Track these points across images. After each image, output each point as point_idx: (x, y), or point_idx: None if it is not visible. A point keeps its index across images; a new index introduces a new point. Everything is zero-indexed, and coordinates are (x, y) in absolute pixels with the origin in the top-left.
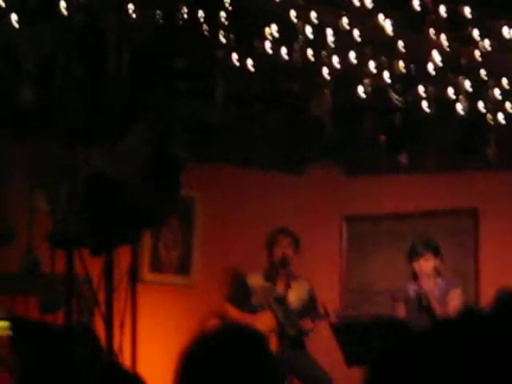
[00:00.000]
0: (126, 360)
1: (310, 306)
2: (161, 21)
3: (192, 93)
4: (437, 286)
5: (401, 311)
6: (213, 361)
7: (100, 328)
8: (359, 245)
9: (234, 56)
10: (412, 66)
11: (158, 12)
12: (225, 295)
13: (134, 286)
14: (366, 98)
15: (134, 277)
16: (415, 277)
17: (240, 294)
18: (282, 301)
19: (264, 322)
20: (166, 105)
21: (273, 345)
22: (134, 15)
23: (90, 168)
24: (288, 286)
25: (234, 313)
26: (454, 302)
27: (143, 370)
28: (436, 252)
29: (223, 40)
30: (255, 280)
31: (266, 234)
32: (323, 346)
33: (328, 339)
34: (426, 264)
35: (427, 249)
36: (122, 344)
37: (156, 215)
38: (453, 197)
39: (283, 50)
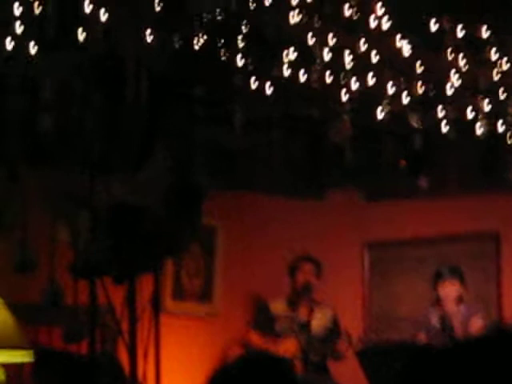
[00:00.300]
0: None
1: (333, 333)
2: (178, 46)
3: (211, 119)
4: (459, 311)
5: (422, 338)
6: None
7: (124, 357)
8: (381, 270)
9: (252, 81)
10: (430, 87)
11: (175, 38)
12: (248, 322)
13: (157, 314)
14: (385, 122)
15: (156, 305)
16: (438, 302)
17: (263, 321)
18: (305, 327)
19: (287, 348)
20: (185, 132)
21: (297, 371)
22: (151, 42)
23: (111, 197)
24: (311, 313)
25: (257, 339)
26: (476, 327)
27: None
28: (461, 278)
29: (241, 65)
30: (278, 307)
31: (288, 260)
32: (347, 372)
33: (352, 365)
34: (452, 288)
35: (453, 274)
36: (146, 373)
37: (177, 243)
38: (474, 220)
39: (301, 75)
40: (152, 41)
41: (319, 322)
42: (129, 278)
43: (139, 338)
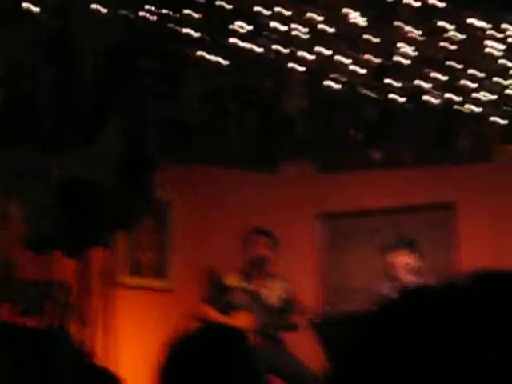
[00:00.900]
0: (103, 362)
1: (287, 305)
2: (131, 17)
3: (164, 92)
4: (414, 282)
5: None
6: (193, 360)
7: (75, 331)
8: (335, 242)
9: (203, 53)
10: (383, 58)
11: (127, 11)
12: (203, 296)
13: (109, 288)
14: (338, 93)
15: (108, 279)
16: (392, 273)
17: (216, 294)
18: (258, 299)
19: (241, 320)
20: (138, 105)
21: (252, 343)
22: (104, 14)
23: (63, 171)
24: (264, 285)
25: (211, 312)
26: None
27: (121, 371)
28: (412, 248)
29: (195, 38)
30: (232, 280)
31: (243, 233)
32: (302, 344)
33: (306, 337)
34: (403, 258)
35: (403, 245)
36: (98, 346)
37: (130, 216)
38: (429, 191)
39: (252, 46)
40: (104, 14)
41: (273, 294)
42: (80, 251)
43: (91, 311)
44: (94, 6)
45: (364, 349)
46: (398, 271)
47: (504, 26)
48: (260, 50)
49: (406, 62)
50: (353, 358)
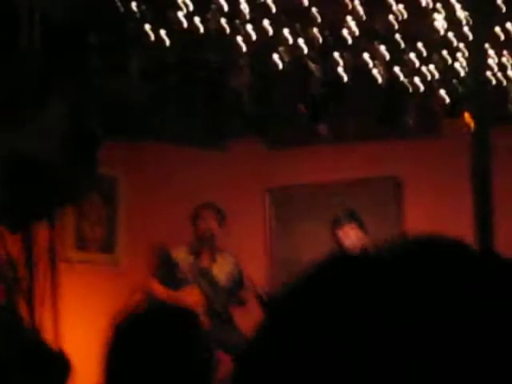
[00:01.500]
0: (49, 337)
1: (236, 280)
2: None
3: (108, 67)
4: None
5: None
6: (141, 338)
7: (22, 306)
8: (283, 217)
9: (147, 29)
10: (328, 33)
11: None
12: (151, 272)
13: (54, 263)
14: (282, 68)
15: (53, 254)
16: (339, 247)
17: (165, 269)
18: (207, 274)
19: (190, 296)
20: (80, 80)
21: (201, 320)
22: None
23: (5, 146)
24: (213, 260)
25: (159, 288)
26: None
27: (68, 347)
28: (359, 223)
29: (136, 13)
30: (180, 254)
31: (190, 209)
32: (251, 320)
33: (255, 313)
34: (351, 232)
35: (350, 219)
36: (45, 321)
37: (73, 191)
38: (376, 166)
39: (197, 21)
40: None
41: (222, 269)
42: (25, 226)
43: (38, 286)
44: None
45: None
46: (346, 245)
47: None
48: (206, 25)
49: (352, 37)
50: (260, 335)
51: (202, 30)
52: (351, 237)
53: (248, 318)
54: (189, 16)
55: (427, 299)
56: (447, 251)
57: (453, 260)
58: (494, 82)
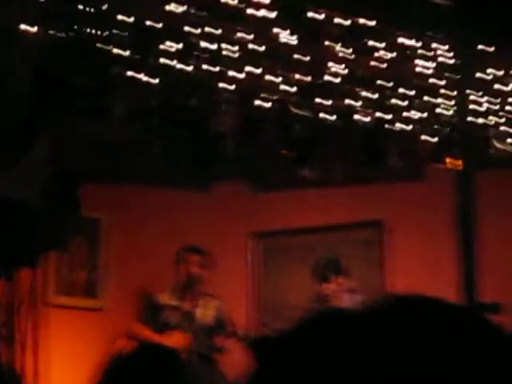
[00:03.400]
0: (30, 381)
1: (221, 324)
2: (59, 36)
3: (91, 110)
4: (344, 299)
5: None
6: (127, 380)
7: (3, 350)
8: (268, 261)
9: (131, 72)
10: (311, 77)
11: (55, 30)
12: (136, 316)
13: (35, 307)
14: (267, 112)
15: (34, 299)
16: (321, 299)
17: (149, 313)
18: (190, 318)
19: (174, 340)
20: (65, 124)
21: (184, 363)
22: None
23: None
24: (197, 304)
25: (144, 332)
26: None
27: None
28: (341, 273)
29: (123, 56)
30: (164, 298)
31: (175, 252)
32: (234, 364)
33: (239, 356)
34: (332, 287)
35: (332, 272)
36: (26, 366)
37: (56, 237)
38: (359, 209)
39: (181, 65)
40: (32, 33)
41: (207, 313)
42: (8, 271)
43: (20, 331)
44: (22, 26)
45: (265, 374)
46: (330, 296)
47: (433, 45)
48: (189, 68)
49: (336, 80)
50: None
51: (186, 74)
52: (334, 289)
53: (232, 361)
54: (174, 60)
55: (395, 358)
56: (423, 312)
57: (426, 320)
58: (477, 125)
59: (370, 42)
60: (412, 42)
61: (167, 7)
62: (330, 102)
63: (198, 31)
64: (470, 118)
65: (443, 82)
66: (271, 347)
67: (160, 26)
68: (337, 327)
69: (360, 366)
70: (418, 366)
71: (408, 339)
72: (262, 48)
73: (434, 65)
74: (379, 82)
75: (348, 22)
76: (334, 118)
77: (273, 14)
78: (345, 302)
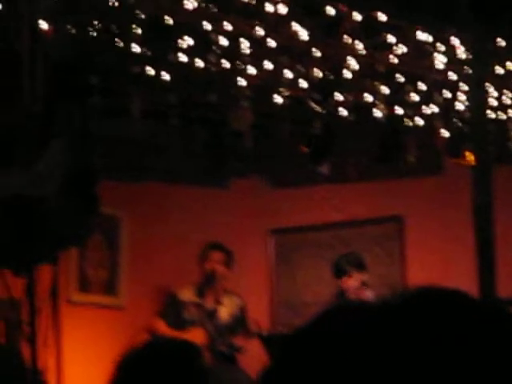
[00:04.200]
0: (52, 379)
1: (241, 322)
2: (73, 31)
3: (110, 108)
4: (364, 295)
5: None
6: (144, 374)
7: (25, 349)
8: (286, 257)
9: (150, 69)
10: (329, 73)
11: (71, 26)
12: (155, 313)
13: (56, 304)
14: (284, 108)
15: (55, 295)
16: (341, 294)
17: (171, 310)
18: (212, 316)
19: (195, 337)
20: (83, 121)
21: (205, 359)
22: (47, 31)
23: (10, 189)
24: (218, 302)
25: (164, 328)
26: None
27: None
28: (361, 268)
29: (138, 53)
30: (186, 295)
31: (194, 249)
32: (255, 362)
33: (260, 355)
34: (352, 282)
35: (352, 266)
36: (48, 363)
37: (76, 233)
38: (378, 204)
39: (199, 62)
40: (47, 30)
41: (227, 311)
42: (28, 269)
43: (41, 329)
44: (41, 22)
45: (281, 370)
46: (350, 291)
47: (451, 39)
48: (207, 65)
49: (353, 76)
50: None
51: (203, 70)
52: (354, 284)
53: (252, 360)
54: (190, 57)
55: (419, 350)
56: (445, 305)
57: (449, 312)
58: (494, 120)
59: (387, 37)
60: (429, 37)
61: (185, 3)
62: (347, 98)
63: (216, 28)
64: (488, 113)
65: (460, 77)
66: (287, 343)
67: (178, 22)
68: (357, 320)
69: (383, 361)
70: (444, 359)
71: (433, 333)
72: (280, 44)
73: (452, 59)
74: (396, 76)
75: (365, 17)
76: (351, 113)
77: (290, 10)
78: (364, 298)
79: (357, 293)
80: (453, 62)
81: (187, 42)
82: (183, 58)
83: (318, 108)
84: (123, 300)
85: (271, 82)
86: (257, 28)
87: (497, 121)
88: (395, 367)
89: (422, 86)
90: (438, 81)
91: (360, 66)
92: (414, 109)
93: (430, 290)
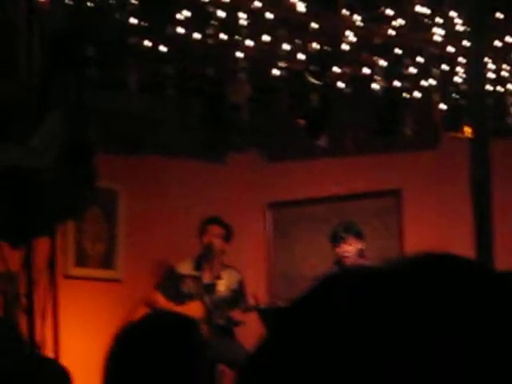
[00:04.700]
0: (49, 352)
1: (240, 296)
2: (70, 3)
3: (106, 80)
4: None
5: None
6: (141, 348)
7: (23, 322)
8: (284, 230)
9: (146, 42)
10: (327, 46)
11: None
12: (153, 286)
13: (54, 277)
14: (282, 81)
15: (52, 269)
16: (339, 262)
17: (169, 283)
18: (210, 289)
19: (193, 310)
20: (78, 94)
21: (203, 332)
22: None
23: (6, 161)
24: (217, 275)
25: (162, 301)
26: None
27: (68, 362)
28: (358, 235)
29: (134, 25)
30: (185, 268)
31: (192, 222)
32: (253, 336)
33: (258, 328)
34: (349, 248)
35: (349, 233)
36: (45, 337)
37: (73, 205)
38: (375, 177)
39: (196, 35)
40: (44, 2)
41: (225, 285)
42: (25, 241)
43: (37, 302)
44: None
45: (274, 343)
46: (347, 259)
47: (449, 12)
48: (205, 38)
49: (349, 48)
50: (262, 351)
51: (200, 43)
52: (349, 251)
53: (250, 334)
54: (188, 29)
55: (431, 314)
56: (453, 269)
57: (458, 276)
58: (492, 94)
59: (385, 10)
60: (427, 10)
61: None
62: (344, 71)
63: (214, 0)
64: (486, 86)
65: (458, 50)
66: (284, 313)
67: None
68: (357, 287)
69: (391, 331)
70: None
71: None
72: (277, 17)
73: (450, 32)
74: (394, 49)
75: None
76: (348, 86)
77: None
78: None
79: (353, 261)
80: (451, 35)
81: (184, 14)
82: (180, 30)
83: (315, 81)
84: (121, 273)
85: (268, 54)
86: (254, 0)
87: (495, 94)
88: (400, 335)
89: (420, 59)
90: (435, 54)
91: (357, 39)
92: (411, 82)
93: (431, 254)
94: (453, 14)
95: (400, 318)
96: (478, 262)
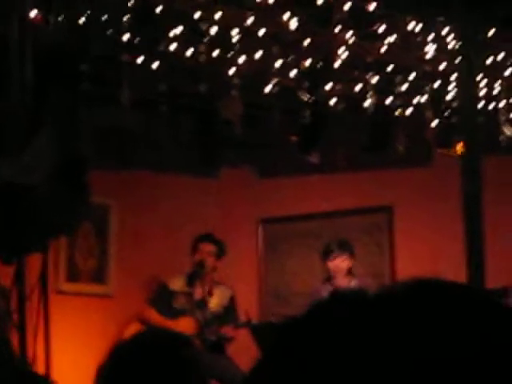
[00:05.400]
0: (41, 369)
1: (231, 312)
2: (63, 19)
3: (100, 96)
4: (350, 285)
5: None
6: (134, 364)
7: (14, 337)
8: (275, 247)
9: (140, 59)
10: (319, 63)
11: (60, 14)
12: (145, 302)
13: (45, 293)
14: (274, 98)
15: (44, 284)
16: (330, 278)
17: (161, 299)
18: (202, 306)
19: (185, 326)
20: (71, 110)
21: (195, 348)
22: (36, 19)
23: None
24: (209, 292)
25: (154, 317)
26: None
27: (60, 379)
28: (351, 253)
29: (127, 42)
30: (176, 285)
31: (183, 238)
32: (244, 352)
33: (249, 344)
34: (341, 265)
35: (342, 249)
36: (37, 353)
37: (66, 221)
38: (367, 194)
39: (189, 52)
40: (37, 17)
41: (217, 301)
42: (17, 257)
43: (29, 317)
44: (30, 12)
45: (273, 361)
46: (338, 275)
47: (442, 29)
48: (197, 55)
49: (342, 65)
50: (261, 368)
51: (193, 59)
52: (342, 267)
53: (241, 350)
54: (180, 46)
55: (419, 340)
56: (444, 296)
57: (449, 303)
58: (484, 111)
59: (377, 27)
60: (420, 27)
61: None
62: (336, 88)
63: (206, 16)
64: (478, 103)
65: (451, 67)
66: (278, 334)
67: (168, 11)
68: (353, 310)
69: (383, 354)
70: (448, 349)
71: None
72: (269, 33)
73: (442, 49)
74: (386, 66)
75: (355, 7)
76: (340, 103)
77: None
78: (342, 284)
79: (343, 278)
80: (443, 52)
81: (177, 30)
82: (174, 47)
83: (307, 97)
84: (112, 289)
85: (261, 71)
86: (247, 17)
87: (486, 111)
88: (394, 360)
89: (412, 76)
90: (427, 71)
91: (350, 56)
92: (403, 99)
93: (425, 280)
94: (445, 31)
95: (391, 347)
96: (469, 286)
